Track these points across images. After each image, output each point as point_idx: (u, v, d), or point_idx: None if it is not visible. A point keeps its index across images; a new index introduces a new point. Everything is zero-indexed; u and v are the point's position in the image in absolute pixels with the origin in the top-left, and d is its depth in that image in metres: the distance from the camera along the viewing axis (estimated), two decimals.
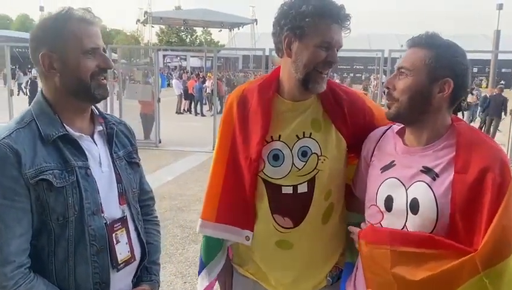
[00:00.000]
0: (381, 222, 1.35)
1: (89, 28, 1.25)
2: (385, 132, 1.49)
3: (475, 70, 39.09)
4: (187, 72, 26.92)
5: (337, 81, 26.53)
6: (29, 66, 27.92)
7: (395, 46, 16.93)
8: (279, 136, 1.50)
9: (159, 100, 10.19)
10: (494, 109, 12.21)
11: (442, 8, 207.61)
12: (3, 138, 1.16)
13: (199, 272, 1.73)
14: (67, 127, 1.26)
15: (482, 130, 12.39)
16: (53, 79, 1.25)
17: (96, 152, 1.33)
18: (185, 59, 41.88)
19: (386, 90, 1.35)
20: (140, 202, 1.53)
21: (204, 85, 17.61)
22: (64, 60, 1.23)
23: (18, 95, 19.64)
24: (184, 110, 18.25)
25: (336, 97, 1.53)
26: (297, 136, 1.50)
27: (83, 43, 1.23)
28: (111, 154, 1.38)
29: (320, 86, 1.45)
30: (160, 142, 10.29)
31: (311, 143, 1.49)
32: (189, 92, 17.88)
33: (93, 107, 1.39)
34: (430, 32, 1.33)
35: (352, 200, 1.64)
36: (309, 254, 1.56)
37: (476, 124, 12.57)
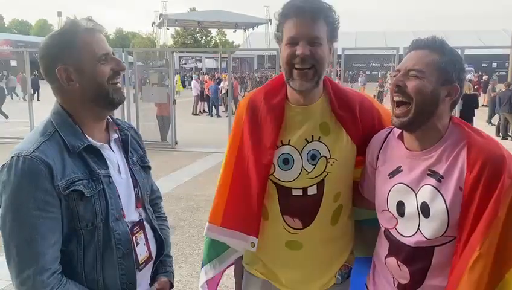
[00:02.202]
0: (396, 227, 1.38)
1: (97, 36, 1.31)
2: (387, 136, 1.48)
3: (494, 65, 38.30)
4: (203, 74, 26.98)
5: (360, 79, 26.25)
6: None
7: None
8: (289, 140, 1.52)
9: (174, 102, 10.28)
10: (503, 105, 12.08)
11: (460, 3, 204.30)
12: (33, 151, 1.19)
13: (202, 266, 1.77)
14: (88, 138, 1.31)
15: (500, 128, 12.26)
16: (73, 90, 1.29)
17: (115, 160, 1.39)
18: (200, 60, 42.16)
19: (397, 88, 1.31)
20: (150, 201, 1.59)
21: (219, 86, 17.67)
22: (82, 70, 1.28)
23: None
24: (200, 111, 18.35)
25: (345, 100, 1.54)
26: (306, 140, 1.51)
27: (95, 51, 1.29)
28: (127, 160, 1.44)
29: (298, 82, 1.43)
30: (176, 143, 10.39)
31: (320, 146, 1.50)
32: (206, 92, 17.94)
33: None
34: (438, 37, 1.34)
35: (359, 197, 1.64)
36: (318, 254, 1.58)
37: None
